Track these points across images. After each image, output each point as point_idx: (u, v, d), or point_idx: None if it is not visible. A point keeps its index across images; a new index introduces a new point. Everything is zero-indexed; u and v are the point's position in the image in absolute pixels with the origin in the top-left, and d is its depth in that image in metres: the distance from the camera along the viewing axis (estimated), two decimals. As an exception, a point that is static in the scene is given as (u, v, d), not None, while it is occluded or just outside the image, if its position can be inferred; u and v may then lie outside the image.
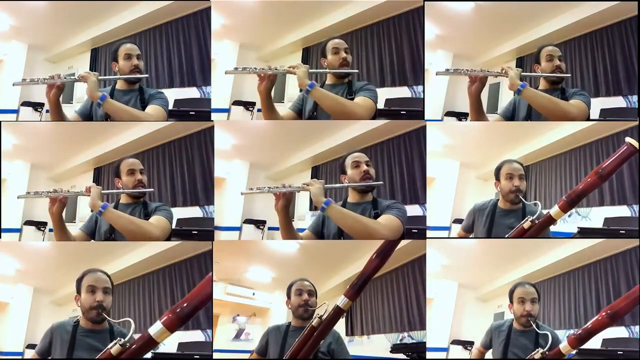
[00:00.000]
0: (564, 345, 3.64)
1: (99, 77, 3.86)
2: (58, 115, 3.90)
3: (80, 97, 4.09)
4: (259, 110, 4.02)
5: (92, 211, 3.80)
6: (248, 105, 4.15)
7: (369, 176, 3.76)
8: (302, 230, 3.84)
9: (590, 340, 4.01)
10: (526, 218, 3.75)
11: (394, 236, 3.69)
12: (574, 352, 3.67)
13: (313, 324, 3.63)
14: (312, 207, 4.18)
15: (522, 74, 3.85)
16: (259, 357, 3.82)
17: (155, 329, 3.31)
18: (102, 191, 3.77)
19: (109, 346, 3.39)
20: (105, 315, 3.50)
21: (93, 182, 4.27)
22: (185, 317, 3.30)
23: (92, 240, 3.82)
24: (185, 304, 3.31)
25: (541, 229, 3.77)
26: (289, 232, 3.75)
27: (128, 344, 3.37)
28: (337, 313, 3.58)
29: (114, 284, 3.62)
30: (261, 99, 3.88)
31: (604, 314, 3.56)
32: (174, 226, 3.87)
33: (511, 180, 3.84)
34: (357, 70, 4.01)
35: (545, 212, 3.77)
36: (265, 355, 3.81)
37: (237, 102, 4.12)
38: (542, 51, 3.95)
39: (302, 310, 3.77)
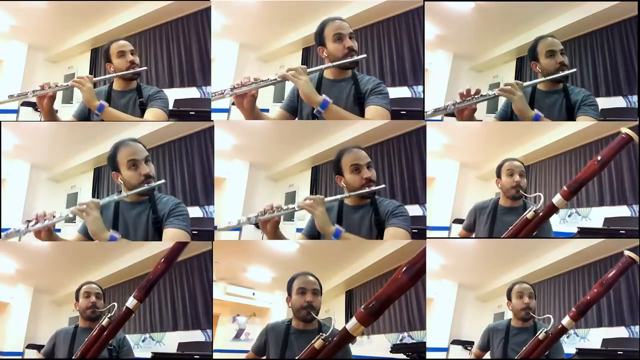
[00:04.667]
0: (566, 321, 3.67)
1: (94, 79, 3.83)
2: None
3: (80, 98, 4.08)
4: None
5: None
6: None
7: (371, 183, 3.62)
8: (301, 230, 3.84)
9: (590, 340, 4.05)
10: (529, 209, 3.69)
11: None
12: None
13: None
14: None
15: (525, 84, 3.77)
16: (256, 357, 3.75)
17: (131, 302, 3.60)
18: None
19: (92, 332, 3.68)
20: (99, 312, 3.79)
21: (93, 183, 4.28)
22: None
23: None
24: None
25: (544, 219, 3.72)
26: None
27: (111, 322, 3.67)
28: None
29: (114, 285, 3.97)
30: None
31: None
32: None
33: (512, 176, 3.84)
34: (364, 55, 3.87)
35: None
36: (263, 355, 3.73)
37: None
38: (539, 45, 3.84)
39: (305, 312, 3.63)
